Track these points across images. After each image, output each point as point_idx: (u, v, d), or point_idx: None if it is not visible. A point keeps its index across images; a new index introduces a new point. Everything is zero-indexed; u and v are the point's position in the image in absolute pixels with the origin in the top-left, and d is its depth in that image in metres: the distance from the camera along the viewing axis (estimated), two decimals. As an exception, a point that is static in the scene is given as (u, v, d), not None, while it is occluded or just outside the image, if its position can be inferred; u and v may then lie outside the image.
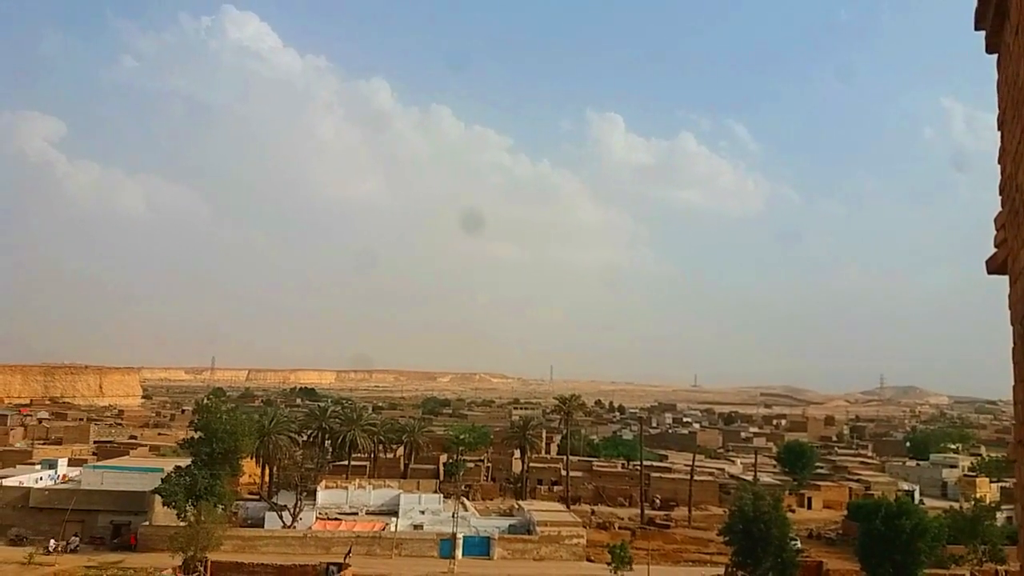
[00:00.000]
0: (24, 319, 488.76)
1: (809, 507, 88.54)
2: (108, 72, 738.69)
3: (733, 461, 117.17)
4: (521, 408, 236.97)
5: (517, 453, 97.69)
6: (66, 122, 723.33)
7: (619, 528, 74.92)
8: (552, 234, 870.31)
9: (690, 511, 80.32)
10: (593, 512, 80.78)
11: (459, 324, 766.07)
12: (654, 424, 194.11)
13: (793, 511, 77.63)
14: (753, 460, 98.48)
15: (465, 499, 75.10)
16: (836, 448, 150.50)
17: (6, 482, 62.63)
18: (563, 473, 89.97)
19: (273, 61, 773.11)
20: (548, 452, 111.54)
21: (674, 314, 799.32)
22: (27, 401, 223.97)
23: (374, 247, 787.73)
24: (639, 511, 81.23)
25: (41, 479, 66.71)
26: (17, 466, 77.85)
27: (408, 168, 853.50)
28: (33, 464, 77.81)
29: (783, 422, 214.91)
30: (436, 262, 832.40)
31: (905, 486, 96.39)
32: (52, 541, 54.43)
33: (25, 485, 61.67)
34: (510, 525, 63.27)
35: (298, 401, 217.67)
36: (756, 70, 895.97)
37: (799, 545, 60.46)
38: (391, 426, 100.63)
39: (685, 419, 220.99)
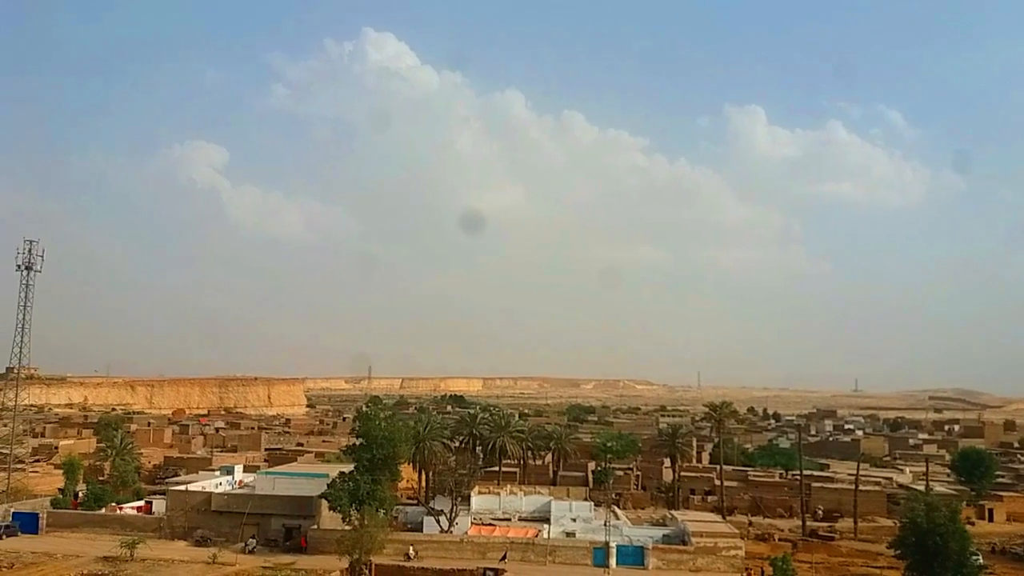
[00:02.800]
0: (198, 335, 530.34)
1: (991, 519, 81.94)
2: (263, 101, 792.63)
3: (901, 470, 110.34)
4: (668, 416, 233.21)
5: (667, 462, 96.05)
6: (228, 149, 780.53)
7: (779, 540, 72.13)
8: (695, 235, 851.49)
9: (856, 522, 76.14)
10: (750, 523, 78.17)
11: (602, 330, 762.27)
12: (813, 431, 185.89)
13: (972, 524, 72.20)
14: (924, 468, 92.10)
15: (616, 507, 74.57)
16: (1019, 456, 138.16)
17: (191, 487, 68.19)
18: (716, 483, 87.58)
19: (412, 80, 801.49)
20: (699, 461, 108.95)
21: (831, 314, 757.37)
22: (205, 412, 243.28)
23: (515, 256, 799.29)
24: (800, 522, 77.86)
25: (220, 484, 72.11)
26: (200, 472, 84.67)
27: (545, 176, 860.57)
28: (213, 470, 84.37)
29: (956, 427, 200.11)
30: (577, 268, 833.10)
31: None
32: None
33: (207, 490, 66.77)
34: (664, 535, 62.21)
35: (448, 408, 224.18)
36: (909, 47, 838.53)
37: (981, 560, 56.09)
38: (538, 433, 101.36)
39: (847, 426, 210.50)
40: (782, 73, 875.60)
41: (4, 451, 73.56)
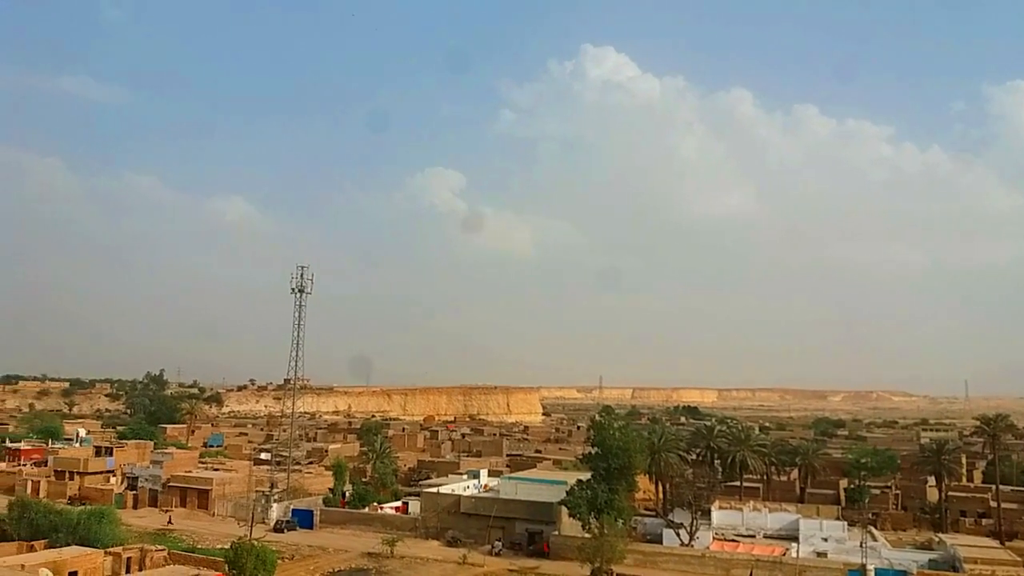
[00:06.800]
0: (446, 349, 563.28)
1: None
2: (492, 127, 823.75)
3: None
4: (931, 430, 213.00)
5: (931, 480, 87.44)
6: (464, 174, 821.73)
7: (1075, 574, 62.83)
8: (954, 229, 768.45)
9: None
10: (1037, 552, 68.89)
11: (850, 337, 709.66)
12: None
13: None
14: None
15: (873, 528, 69.22)
16: None
17: (442, 489, 72.70)
18: (992, 504, 78.27)
19: (633, 90, 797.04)
20: (970, 480, 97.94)
21: None
22: (452, 418, 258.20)
23: (745, 262, 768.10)
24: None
25: (468, 488, 76.16)
26: (449, 475, 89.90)
27: (777, 175, 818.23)
28: (460, 474, 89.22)
29: None
30: (816, 271, 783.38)
31: None
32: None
33: (456, 493, 70.88)
34: (930, 560, 56.72)
35: (682, 419, 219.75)
36: None
37: None
38: (782, 447, 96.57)
39: None
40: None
41: (284, 454, 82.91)
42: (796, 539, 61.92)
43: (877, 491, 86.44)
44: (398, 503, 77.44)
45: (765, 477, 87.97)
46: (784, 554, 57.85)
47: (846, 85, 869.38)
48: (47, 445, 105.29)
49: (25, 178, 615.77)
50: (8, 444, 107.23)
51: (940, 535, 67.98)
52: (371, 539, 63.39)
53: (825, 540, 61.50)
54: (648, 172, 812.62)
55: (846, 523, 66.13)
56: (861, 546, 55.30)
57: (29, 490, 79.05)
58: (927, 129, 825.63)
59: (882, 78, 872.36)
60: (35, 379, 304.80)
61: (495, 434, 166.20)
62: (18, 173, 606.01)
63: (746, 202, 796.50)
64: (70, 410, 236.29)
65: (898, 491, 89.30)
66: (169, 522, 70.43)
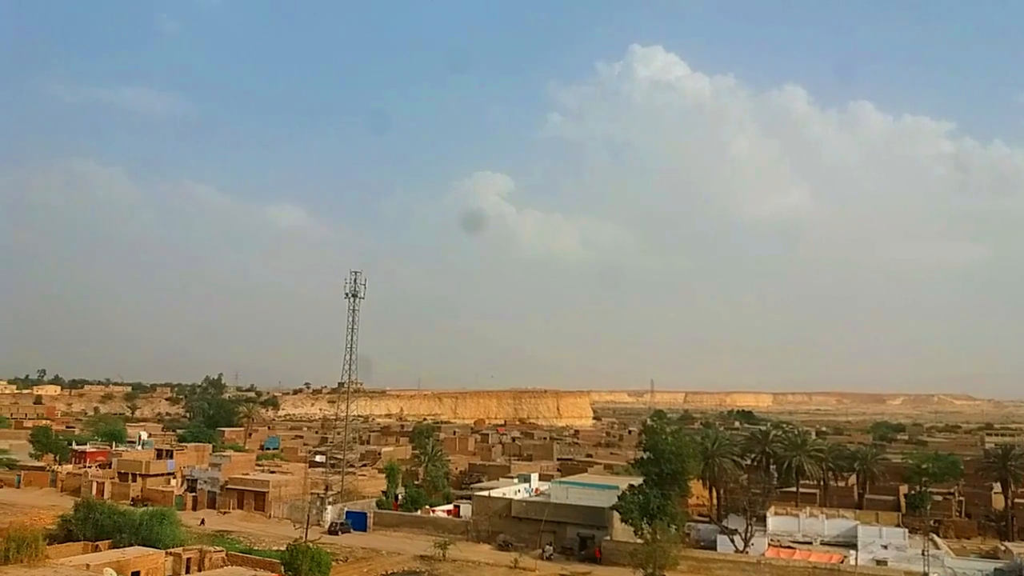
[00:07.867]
0: (496, 352, 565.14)
1: None
2: (540, 130, 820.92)
3: None
4: (996, 434, 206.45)
5: (996, 487, 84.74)
6: (512, 178, 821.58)
7: None
8: (1017, 226, 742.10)
9: None
10: (1111, 563, 66.15)
11: (910, 339, 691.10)
12: None
13: None
14: None
15: (935, 535, 67.29)
16: None
17: (493, 493, 72.88)
18: (1063, 513, 75.48)
19: (682, 89, 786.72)
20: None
21: None
22: (502, 422, 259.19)
23: (800, 262, 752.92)
24: None
25: (519, 491, 76.23)
26: (500, 479, 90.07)
27: (833, 173, 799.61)
28: (511, 478, 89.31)
29: None
30: (876, 271, 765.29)
31: None
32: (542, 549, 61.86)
33: (507, 497, 70.99)
34: (995, 569, 55.05)
35: (736, 424, 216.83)
36: None
37: None
38: (839, 452, 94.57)
39: None
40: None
41: (339, 456, 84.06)
42: (855, 546, 60.77)
43: (939, 498, 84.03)
44: (450, 506, 77.88)
45: (822, 483, 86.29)
46: (842, 562, 56.62)
47: (902, 80, 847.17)
48: (111, 447, 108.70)
49: (88, 188, 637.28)
50: (75, 446, 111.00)
51: (1006, 544, 66.07)
52: (423, 542, 63.86)
53: (885, 548, 60.26)
54: (700, 172, 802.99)
55: (907, 530, 64.57)
56: (923, 554, 53.97)
57: (94, 491, 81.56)
58: (989, 123, 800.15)
59: (941, 72, 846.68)
60: (100, 383, 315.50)
61: (545, 438, 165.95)
62: (82, 184, 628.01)
63: (801, 201, 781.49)
64: (132, 413, 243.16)
65: (961, 498, 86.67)
66: (202, 523, 71.67)
